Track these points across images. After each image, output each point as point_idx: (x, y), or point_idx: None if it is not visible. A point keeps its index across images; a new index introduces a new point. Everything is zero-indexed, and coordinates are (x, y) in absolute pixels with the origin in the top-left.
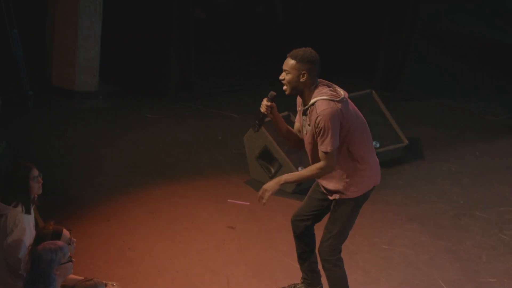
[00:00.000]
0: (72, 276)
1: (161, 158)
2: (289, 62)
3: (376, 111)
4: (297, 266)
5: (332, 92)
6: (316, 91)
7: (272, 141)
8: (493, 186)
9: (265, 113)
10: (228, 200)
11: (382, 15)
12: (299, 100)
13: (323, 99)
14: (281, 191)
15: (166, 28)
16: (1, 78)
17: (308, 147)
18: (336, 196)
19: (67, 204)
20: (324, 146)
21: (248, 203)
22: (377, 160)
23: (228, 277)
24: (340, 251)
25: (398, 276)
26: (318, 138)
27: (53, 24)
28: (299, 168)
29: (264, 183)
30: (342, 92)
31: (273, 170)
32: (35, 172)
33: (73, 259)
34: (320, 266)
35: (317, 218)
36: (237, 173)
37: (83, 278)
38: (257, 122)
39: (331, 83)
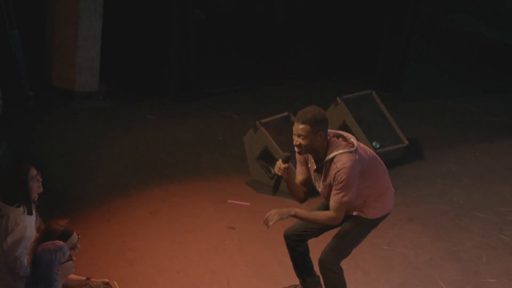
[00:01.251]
0: (73, 276)
1: (161, 158)
2: (303, 128)
3: (376, 111)
4: None
5: (345, 143)
6: (331, 146)
7: (272, 142)
8: (493, 186)
9: (280, 175)
10: (228, 201)
11: (382, 15)
12: (301, 157)
13: (341, 153)
14: (281, 191)
15: (166, 28)
16: (1, 78)
17: (326, 201)
18: (354, 213)
19: (67, 204)
20: (339, 197)
21: (248, 204)
22: (392, 187)
23: (228, 277)
24: (340, 263)
25: (398, 277)
26: (334, 189)
27: (53, 24)
28: None
29: (264, 184)
30: (353, 140)
31: (273, 171)
32: (33, 172)
33: (73, 258)
34: (317, 269)
35: (314, 234)
36: (237, 174)
37: (83, 277)
38: (273, 186)
39: (338, 132)
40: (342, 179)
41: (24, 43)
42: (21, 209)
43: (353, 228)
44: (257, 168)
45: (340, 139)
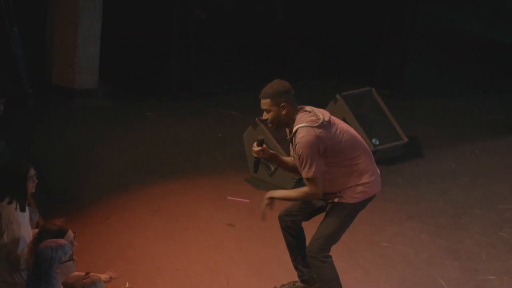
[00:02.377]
0: (74, 273)
1: (161, 157)
2: (264, 102)
3: (376, 109)
4: None
5: (312, 117)
6: (297, 119)
7: (271, 138)
8: (493, 185)
9: (258, 157)
10: (228, 198)
11: (382, 15)
12: (287, 130)
13: (302, 126)
14: (280, 189)
15: (166, 28)
16: (1, 77)
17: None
18: (335, 199)
19: (67, 202)
20: (305, 173)
21: (248, 201)
22: (377, 170)
23: (228, 276)
24: (328, 251)
25: (398, 275)
26: (299, 165)
27: (53, 24)
28: None
29: (263, 181)
30: (321, 116)
31: (272, 168)
32: (32, 171)
33: (74, 258)
34: None
35: (306, 216)
36: (236, 171)
37: (83, 273)
38: (254, 166)
39: (312, 108)
40: (300, 152)
41: (24, 42)
42: (13, 205)
43: (336, 215)
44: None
45: (310, 114)
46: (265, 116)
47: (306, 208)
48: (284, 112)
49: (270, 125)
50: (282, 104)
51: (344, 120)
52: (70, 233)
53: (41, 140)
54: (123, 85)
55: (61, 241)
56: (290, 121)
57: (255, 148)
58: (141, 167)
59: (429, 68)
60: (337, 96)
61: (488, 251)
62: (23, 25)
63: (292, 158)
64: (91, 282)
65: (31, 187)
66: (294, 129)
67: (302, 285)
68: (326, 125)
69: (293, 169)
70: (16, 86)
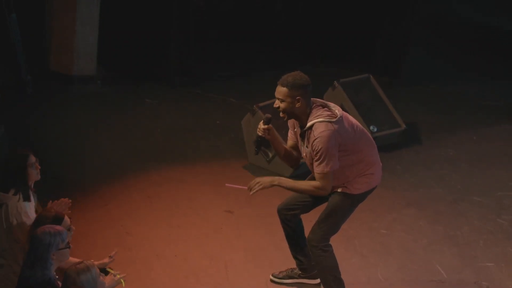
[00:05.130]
0: (71, 258)
1: (159, 143)
2: (282, 90)
3: (374, 95)
4: None
5: (328, 113)
6: (313, 114)
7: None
8: (491, 171)
9: (263, 136)
10: (226, 185)
11: (383, 2)
12: (291, 122)
13: (320, 121)
14: (278, 176)
15: (166, 14)
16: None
17: (310, 167)
18: (338, 189)
19: (66, 189)
20: (321, 168)
21: (246, 188)
22: (380, 162)
23: (226, 262)
24: (329, 240)
25: (396, 261)
26: (315, 160)
27: (51, 10)
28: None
29: (262, 168)
30: (337, 111)
31: (270, 154)
32: (32, 159)
33: (70, 245)
34: None
35: (306, 209)
36: (235, 158)
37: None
38: (255, 145)
39: (325, 102)
40: (319, 148)
41: (22, 28)
42: (17, 196)
43: (339, 205)
44: (254, 152)
45: (325, 108)
46: (277, 104)
47: (306, 201)
48: (298, 105)
49: (281, 115)
50: (298, 97)
51: (342, 106)
52: (67, 219)
53: (39, 126)
54: (121, 71)
55: (59, 227)
56: (302, 115)
57: (261, 126)
58: (140, 154)
59: (429, 55)
60: (335, 82)
61: (486, 237)
62: (21, 10)
63: (304, 154)
64: (85, 267)
65: (35, 174)
66: (310, 123)
67: (300, 272)
68: (341, 120)
69: (289, 158)
70: (14, 73)
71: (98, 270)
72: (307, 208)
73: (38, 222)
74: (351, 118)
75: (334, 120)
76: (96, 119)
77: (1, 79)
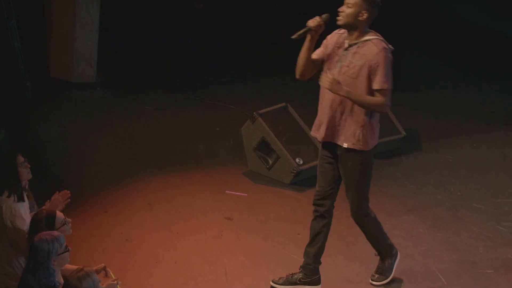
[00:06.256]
0: (68, 266)
1: (159, 148)
2: None
3: None
4: (295, 257)
5: (388, 43)
6: (371, 33)
7: (269, 132)
8: (491, 177)
9: (312, 27)
10: (226, 191)
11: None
12: (332, 38)
13: (382, 40)
14: (278, 183)
15: (164, 19)
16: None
17: (347, 82)
18: (346, 145)
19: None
20: (381, 83)
21: (246, 194)
22: None
23: (226, 267)
24: (367, 207)
25: (396, 268)
26: (376, 74)
27: (50, 15)
28: (297, 160)
29: (261, 175)
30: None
31: (270, 161)
32: (21, 159)
33: (69, 248)
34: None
35: (338, 186)
36: (234, 164)
37: (80, 267)
38: (299, 32)
39: None
40: (381, 61)
41: (22, 34)
42: (12, 197)
43: (358, 169)
44: (254, 159)
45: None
46: (342, 8)
47: (333, 181)
48: (360, 18)
49: (338, 18)
50: (365, 11)
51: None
52: (59, 214)
53: (39, 130)
54: (121, 76)
55: (55, 233)
56: (357, 29)
57: (318, 19)
58: (139, 158)
59: (427, 59)
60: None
61: (485, 244)
62: (21, 16)
63: (339, 68)
64: (85, 274)
65: (26, 173)
66: (369, 37)
67: (301, 276)
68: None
69: (306, 66)
70: (14, 78)
71: (97, 276)
72: (336, 185)
73: (33, 226)
74: None
75: (391, 49)
76: (96, 124)
77: (1, 84)
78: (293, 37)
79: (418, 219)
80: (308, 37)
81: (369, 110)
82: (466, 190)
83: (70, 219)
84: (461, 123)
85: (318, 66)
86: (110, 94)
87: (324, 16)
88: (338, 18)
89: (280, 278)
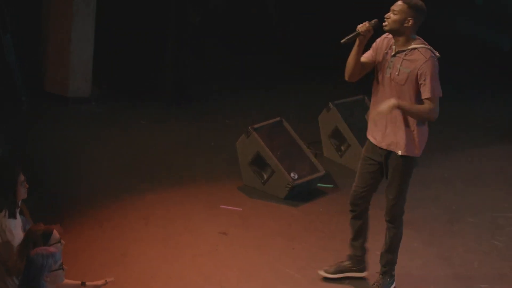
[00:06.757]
0: (67, 281)
1: (154, 162)
2: (400, 4)
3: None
4: (290, 272)
5: (435, 52)
6: (418, 40)
7: (264, 147)
8: (486, 191)
9: (360, 32)
10: (221, 206)
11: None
12: (382, 42)
13: (429, 48)
14: (273, 197)
15: (161, 32)
16: None
17: (396, 88)
18: (398, 151)
19: (61, 208)
20: (430, 92)
21: (241, 209)
22: None
23: (221, 282)
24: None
25: None
26: (423, 83)
27: (46, 29)
28: (292, 174)
29: (256, 189)
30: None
31: (265, 176)
32: (22, 177)
33: (64, 267)
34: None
35: (374, 188)
36: (229, 179)
37: (78, 282)
38: (348, 36)
39: None
40: (429, 70)
41: (17, 48)
42: (3, 213)
43: (398, 172)
44: (249, 174)
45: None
46: (389, 15)
47: (370, 182)
48: (406, 25)
49: (385, 24)
50: (410, 18)
51: (336, 128)
52: (55, 233)
53: (35, 145)
54: (116, 89)
55: (52, 249)
56: (403, 36)
57: (367, 24)
58: (135, 172)
59: None
60: (330, 104)
61: (481, 258)
62: (16, 30)
63: (389, 75)
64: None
65: (23, 192)
66: (417, 46)
67: (349, 264)
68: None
69: (356, 67)
70: (10, 92)
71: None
72: (375, 187)
73: (27, 238)
74: None
75: (437, 56)
76: (91, 138)
77: None
78: (342, 41)
79: (414, 233)
80: (357, 42)
81: (419, 119)
82: (461, 204)
83: (64, 242)
84: (457, 137)
85: (367, 69)
86: (105, 108)
87: (373, 21)
88: (384, 24)
89: (330, 266)
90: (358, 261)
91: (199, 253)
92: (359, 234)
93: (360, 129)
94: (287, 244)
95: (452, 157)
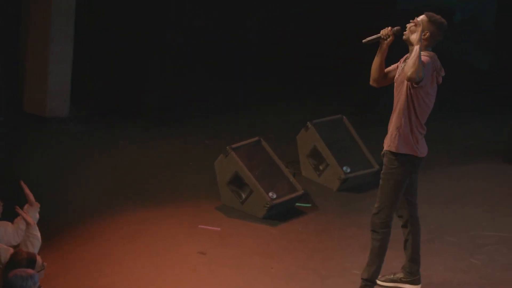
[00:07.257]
0: None
1: (133, 183)
2: (422, 17)
3: (347, 136)
4: None
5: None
6: (431, 53)
7: (242, 166)
8: (465, 210)
9: (382, 36)
10: (199, 226)
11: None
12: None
13: (430, 58)
14: (252, 217)
15: (143, 53)
16: None
17: (397, 89)
18: (387, 147)
19: (41, 229)
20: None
21: (219, 229)
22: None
23: None
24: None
25: None
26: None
27: (24, 50)
28: (270, 194)
29: (234, 209)
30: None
31: (243, 196)
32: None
33: None
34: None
35: (409, 197)
36: (208, 199)
37: None
38: (369, 38)
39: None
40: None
41: None
42: None
43: (386, 174)
44: (227, 193)
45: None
46: (409, 25)
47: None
48: (423, 37)
49: (404, 33)
50: (427, 31)
51: (314, 147)
52: (39, 259)
53: (15, 165)
54: (97, 111)
55: (30, 271)
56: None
57: (389, 29)
58: (114, 193)
59: None
60: (308, 123)
61: (460, 277)
62: None
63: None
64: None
65: None
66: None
67: (402, 276)
68: (436, 62)
69: (379, 72)
70: None
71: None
72: (411, 194)
73: (11, 264)
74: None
75: (434, 59)
76: (70, 159)
77: None
78: (364, 41)
79: (393, 252)
80: (379, 48)
81: (411, 67)
82: (441, 223)
83: (46, 263)
84: (436, 156)
85: (390, 80)
86: (84, 129)
87: (395, 28)
88: (404, 33)
89: (382, 276)
90: (408, 273)
91: (178, 273)
92: (407, 246)
93: (339, 149)
94: (265, 263)
95: (431, 176)
